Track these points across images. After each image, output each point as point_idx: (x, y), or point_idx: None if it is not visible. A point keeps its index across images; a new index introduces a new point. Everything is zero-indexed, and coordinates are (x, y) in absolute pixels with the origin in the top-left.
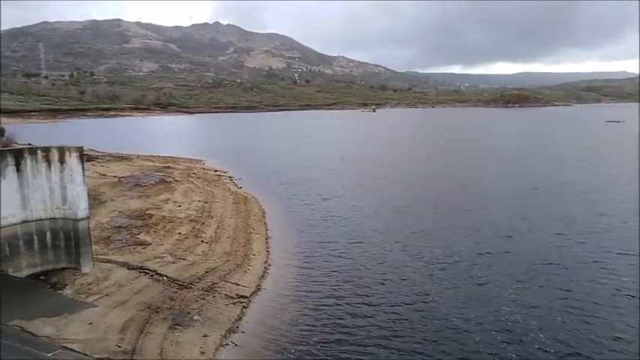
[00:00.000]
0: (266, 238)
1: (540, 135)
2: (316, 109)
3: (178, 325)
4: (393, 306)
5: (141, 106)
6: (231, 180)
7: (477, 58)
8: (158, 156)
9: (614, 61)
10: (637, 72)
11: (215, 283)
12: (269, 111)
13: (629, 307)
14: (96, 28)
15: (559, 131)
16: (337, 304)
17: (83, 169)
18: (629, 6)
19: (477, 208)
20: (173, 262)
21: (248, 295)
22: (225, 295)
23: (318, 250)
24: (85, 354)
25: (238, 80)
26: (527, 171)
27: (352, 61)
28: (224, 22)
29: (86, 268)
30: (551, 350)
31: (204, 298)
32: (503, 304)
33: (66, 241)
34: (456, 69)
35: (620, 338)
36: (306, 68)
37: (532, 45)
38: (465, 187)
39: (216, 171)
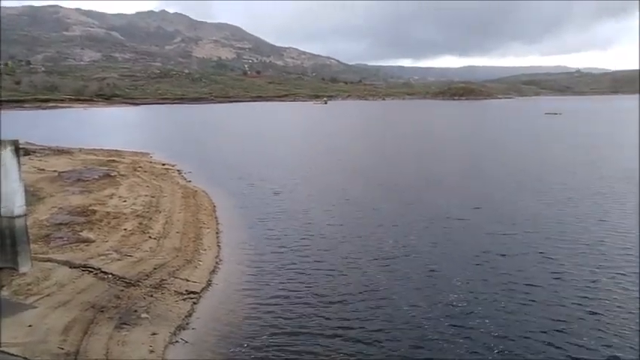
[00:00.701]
0: (217, 233)
1: (486, 127)
2: (267, 100)
3: (125, 324)
4: (344, 297)
5: (82, 98)
6: (180, 174)
7: (426, 51)
8: (102, 149)
9: (553, 56)
10: (574, 66)
11: (164, 280)
12: (219, 102)
13: (567, 290)
14: (32, 14)
15: (504, 123)
16: (289, 298)
17: (19, 163)
18: (565, 5)
19: (429, 198)
20: (119, 260)
21: (198, 291)
22: (175, 291)
23: (270, 243)
24: (25, 357)
25: (186, 71)
26: (475, 161)
27: (304, 52)
28: (171, 10)
29: (24, 268)
30: (497, 334)
31: (152, 296)
32: (453, 292)
33: (1, 239)
34: (406, 62)
35: (562, 321)
36: (257, 59)
37: (478, 40)
38: (417, 177)
39: (163, 164)
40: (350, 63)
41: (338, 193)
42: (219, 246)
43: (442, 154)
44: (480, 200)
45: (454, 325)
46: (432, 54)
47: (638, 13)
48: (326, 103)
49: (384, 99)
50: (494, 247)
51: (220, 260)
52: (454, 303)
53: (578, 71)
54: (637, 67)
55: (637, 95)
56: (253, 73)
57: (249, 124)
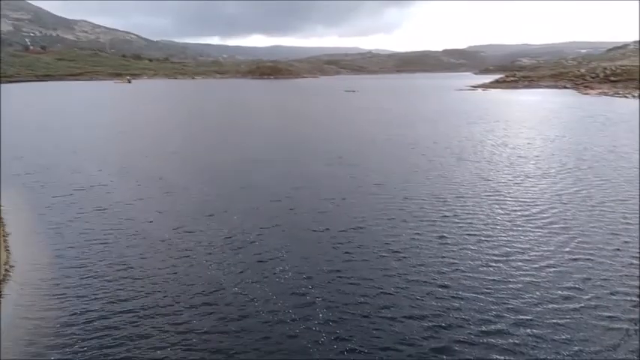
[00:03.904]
0: (4, 236)
1: (301, 104)
2: (59, 79)
3: None
4: (161, 297)
5: None
6: None
7: (234, 29)
8: None
9: (350, 38)
10: (367, 48)
11: None
12: None
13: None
14: None
15: (316, 101)
16: (89, 301)
17: None
18: None
19: (257, 182)
20: None
21: None
22: None
23: (70, 244)
24: None
25: None
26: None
27: (98, 26)
28: None
29: None
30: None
31: None
32: (287, 277)
33: None
34: (214, 40)
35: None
36: (41, 32)
37: (284, 20)
38: (244, 160)
39: None
40: (154, 39)
41: (156, 182)
42: (8, 250)
43: (278, 132)
44: (299, 179)
45: (290, 310)
46: (239, 33)
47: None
48: (130, 82)
49: (193, 77)
50: (334, 223)
51: (11, 267)
52: (292, 289)
53: (370, 52)
54: (416, 50)
55: (416, 74)
56: (37, 49)
57: (37, 109)
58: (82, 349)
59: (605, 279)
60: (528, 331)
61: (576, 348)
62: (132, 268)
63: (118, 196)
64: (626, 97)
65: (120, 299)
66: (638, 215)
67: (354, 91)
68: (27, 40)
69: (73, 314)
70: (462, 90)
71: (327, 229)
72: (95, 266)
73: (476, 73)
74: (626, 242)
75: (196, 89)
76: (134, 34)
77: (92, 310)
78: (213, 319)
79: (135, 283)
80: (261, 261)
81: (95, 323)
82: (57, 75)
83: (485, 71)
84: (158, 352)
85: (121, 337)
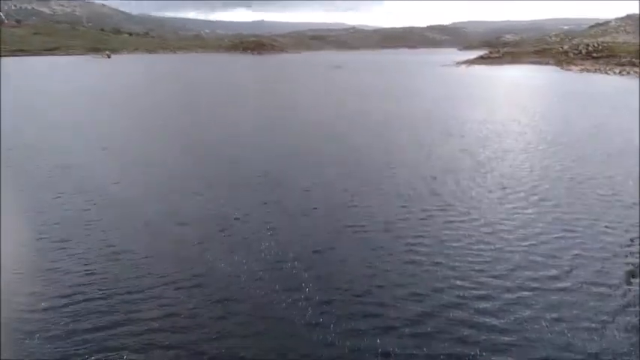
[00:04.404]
0: None
1: (288, 80)
2: (34, 55)
3: None
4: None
5: None
6: None
7: (215, 3)
8: None
9: (334, 13)
10: (352, 24)
11: None
12: None
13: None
14: None
15: (302, 76)
16: (69, 281)
17: None
18: None
19: (245, 158)
20: None
21: None
22: None
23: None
24: None
25: None
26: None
27: None
28: None
29: None
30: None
31: None
32: (274, 255)
33: None
34: (195, 14)
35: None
36: (15, 6)
37: None
38: (232, 138)
39: None
40: (132, 13)
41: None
42: None
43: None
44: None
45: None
46: (221, 7)
47: None
48: (109, 57)
49: (175, 52)
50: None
51: None
52: (256, 271)
53: (353, 28)
54: (400, 26)
55: (400, 50)
56: (12, 22)
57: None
58: (60, 331)
59: (590, 249)
60: (512, 295)
61: (564, 325)
62: (114, 246)
63: (97, 175)
64: (607, 73)
65: (102, 279)
66: (610, 189)
67: (339, 67)
68: (1, 13)
69: (54, 296)
70: (447, 65)
71: (315, 208)
72: (77, 245)
73: (460, 49)
74: (605, 213)
75: (184, 63)
76: (112, 8)
77: (73, 293)
78: (199, 299)
79: (118, 262)
80: (246, 237)
81: (76, 306)
82: (31, 50)
83: (469, 47)
84: (142, 332)
85: (103, 315)
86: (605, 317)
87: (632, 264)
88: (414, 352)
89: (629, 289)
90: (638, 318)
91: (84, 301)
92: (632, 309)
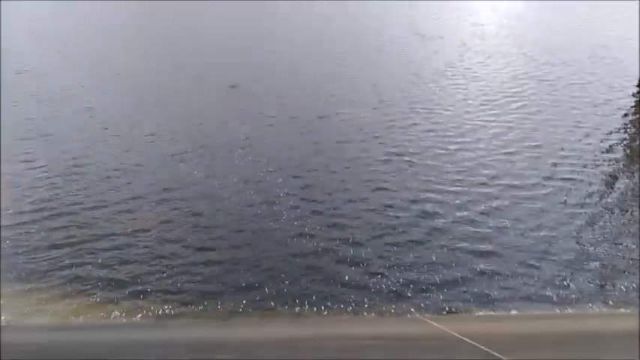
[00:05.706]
0: None
1: None
2: None
3: None
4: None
5: None
6: None
7: None
8: None
9: None
10: None
11: None
12: None
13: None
14: None
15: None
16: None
17: None
18: None
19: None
20: None
21: None
22: None
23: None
24: None
25: None
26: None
27: None
28: None
29: None
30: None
31: None
32: (256, 168)
33: None
34: None
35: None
36: None
37: None
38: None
39: None
40: None
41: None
42: None
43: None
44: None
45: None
46: None
47: None
48: None
49: None
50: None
51: None
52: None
53: None
54: None
55: None
56: None
57: None
58: (26, 248)
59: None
60: (492, 203)
61: (543, 233)
62: (81, 158)
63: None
64: None
65: (68, 193)
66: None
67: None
68: None
69: (20, 212)
70: None
71: (293, 117)
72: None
73: None
74: (586, 119)
75: None
76: None
77: (38, 209)
78: (173, 213)
79: (84, 177)
80: (230, 151)
81: (43, 223)
82: None
83: None
84: (111, 247)
85: (70, 229)
86: (584, 222)
87: (612, 169)
88: (393, 261)
89: (608, 193)
90: (617, 222)
91: (50, 217)
92: (611, 214)
